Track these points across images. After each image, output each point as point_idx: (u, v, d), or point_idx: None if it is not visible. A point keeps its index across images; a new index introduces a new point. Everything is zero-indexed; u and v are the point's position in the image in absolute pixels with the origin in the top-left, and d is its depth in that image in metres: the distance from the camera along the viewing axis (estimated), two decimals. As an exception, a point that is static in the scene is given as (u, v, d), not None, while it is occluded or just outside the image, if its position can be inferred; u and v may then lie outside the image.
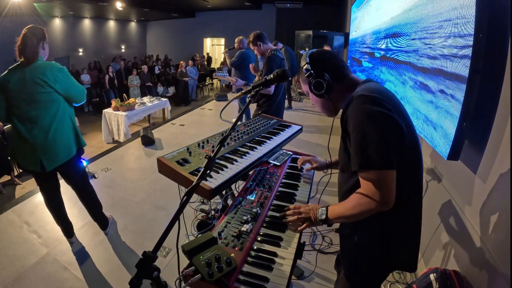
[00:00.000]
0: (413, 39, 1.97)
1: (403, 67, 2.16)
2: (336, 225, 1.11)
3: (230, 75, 4.35)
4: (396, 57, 2.40)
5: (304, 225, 1.06)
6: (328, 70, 1.02)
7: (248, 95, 1.09)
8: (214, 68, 12.78)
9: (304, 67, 1.04)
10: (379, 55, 3.10)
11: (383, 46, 2.92)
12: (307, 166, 1.50)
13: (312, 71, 1.02)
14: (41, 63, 1.82)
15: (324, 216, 0.99)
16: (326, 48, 6.16)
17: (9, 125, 4.28)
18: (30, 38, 1.78)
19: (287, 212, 1.11)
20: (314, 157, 1.51)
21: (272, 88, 2.54)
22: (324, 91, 1.01)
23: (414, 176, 0.97)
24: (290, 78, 6.30)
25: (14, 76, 1.78)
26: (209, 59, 13.67)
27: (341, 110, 1.04)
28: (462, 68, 1.28)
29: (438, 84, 1.55)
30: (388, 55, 2.69)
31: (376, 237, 1.00)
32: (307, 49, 9.31)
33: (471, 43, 1.20)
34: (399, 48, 2.32)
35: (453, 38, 1.39)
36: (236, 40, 4.56)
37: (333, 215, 0.99)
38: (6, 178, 3.98)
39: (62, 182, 2.16)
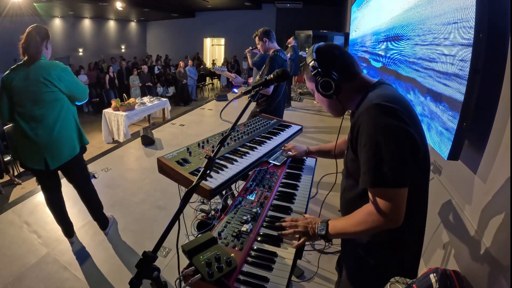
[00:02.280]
0: (416, 44, 1.92)
1: (408, 78, 2.10)
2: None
3: (252, 75, 4.13)
4: (398, 69, 2.35)
5: (301, 240, 1.00)
6: (337, 68, 0.93)
7: (248, 95, 1.09)
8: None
9: (311, 64, 0.94)
10: (379, 65, 3.06)
11: (383, 48, 2.91)
12: (289, 153, 1.57)
13: (319, 69, 0.93)
14: (45, 62, 1.83)
15: (324, 232, 0.95)
16: None
17: (9, 125, 4.29)
18: (34, 36, 1.79)
19: (284, 224, 1.06)
20: (296, 146, 1.58)
21: (270, 89, 2.52)
22: (332, 91, 0.92)
23: (422, 188, 0.93)
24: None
25: (18, 75, 1.79)
26: (199, 59, 12.93)
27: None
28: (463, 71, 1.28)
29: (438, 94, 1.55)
30: (388, 66, 2.66)
31: (379, 245, 0.97)
32: (306, 49, 9.31)
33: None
34: (400, 55, 2.28)
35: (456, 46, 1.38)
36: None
37: (335, 230, 0.94)
38: (6, 178, 3.97)
39: (64, 182, 2.16)
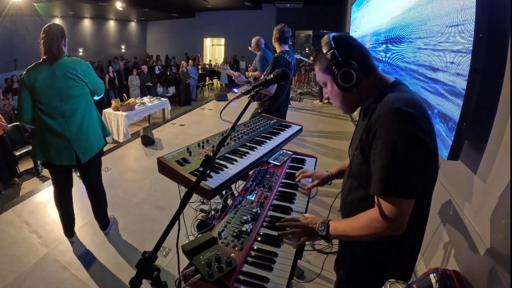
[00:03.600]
0: (418, 48, 1.91)
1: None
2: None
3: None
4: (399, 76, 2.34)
5: (301, 240, 1.00)
6: (356, 59, 0.87)
7: (248, 95, 1.08)
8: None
9: (329, 53, 0.87)
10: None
11: (382, 49, 2.91)
12: (309, 184, 1.34)
13: (340, 58, 0.86)
14: (69, 59, 1.89)
15: (324, 232, 0.94)
16: None
17: (9, 126, 4.29)
18: (55, 34, 1.83)
19: (284, 224, 1.05)
20: (316, 173, 1.36)
21: (272, 89, 2.53)
22: (353, 83, 0.85)
23: (428, 194, 0.92)
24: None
25: (42, 72, 1.81)
26: (189, 59, 12.66)
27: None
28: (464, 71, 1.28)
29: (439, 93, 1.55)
30: (387, 69, 2.65)
31: (378, 246, 0.96)
32: (307, 49, 9.32)
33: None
34: (401, 60, 2.27)
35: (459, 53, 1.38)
36: (253, 40, 4.10)
37: (336, 232, 0.93)
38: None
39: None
